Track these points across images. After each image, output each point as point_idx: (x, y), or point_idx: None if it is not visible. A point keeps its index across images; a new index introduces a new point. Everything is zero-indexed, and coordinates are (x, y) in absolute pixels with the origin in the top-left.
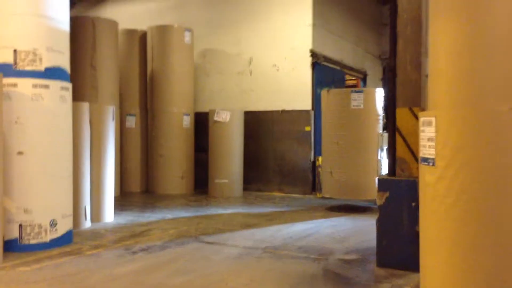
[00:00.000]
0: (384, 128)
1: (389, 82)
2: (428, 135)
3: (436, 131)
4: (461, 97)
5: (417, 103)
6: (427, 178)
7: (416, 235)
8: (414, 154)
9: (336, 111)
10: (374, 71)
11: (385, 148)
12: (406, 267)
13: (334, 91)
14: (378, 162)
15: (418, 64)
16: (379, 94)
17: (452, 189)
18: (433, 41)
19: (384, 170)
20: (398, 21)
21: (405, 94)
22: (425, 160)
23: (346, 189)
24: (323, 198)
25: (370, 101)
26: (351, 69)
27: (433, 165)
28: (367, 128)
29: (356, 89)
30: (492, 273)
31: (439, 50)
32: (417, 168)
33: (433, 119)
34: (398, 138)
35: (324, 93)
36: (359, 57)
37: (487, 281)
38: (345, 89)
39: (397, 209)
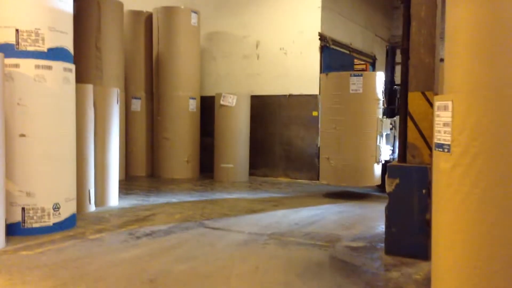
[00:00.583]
0: (385, 113)
1: (402, 65)
2: (444, 120)
3: (453, 116)
4: (481, 81)
5: (430, 87)
6: (441, 165)
7: (427, 223)
8: (426, 140)
9: (335, 95)
10: (384, 55)
11: (384, 133)
12: (415, 256)
13: (333, 74)
14: (378, 148)
15: (432, 47)
16: (380, 78)
17: (469, 177)
18: (450, 21)
19: (384, 156)
20: (412, 2)
21: (418, 77)
22: (440, 146)
23: (344, 176)
24: (327, 184)
25: (369, 85)
26: (360, 53)
27: (449, 151)
28: (366, 113)
29: (355, 72)
30: (511, 264)
31: (458, 30)
32: (429, 155)
33: (449, 103)
34: (410, 123)
35: (322, 76)
36: (369, 41)
37: (504, 273)
38: (343, 72)
39: (407, 196)
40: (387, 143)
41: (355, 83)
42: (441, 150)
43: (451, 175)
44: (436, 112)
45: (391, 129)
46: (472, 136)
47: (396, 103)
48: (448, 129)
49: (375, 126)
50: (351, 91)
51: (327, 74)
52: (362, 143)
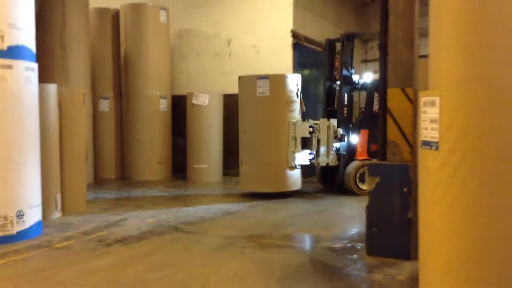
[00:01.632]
0: (324, 115)
1: (380, 61)
2: (431, 117)
3: (440, 112)
4: (470, 74)
5: (410, 83)
6: (429, 163)
7: (408, 222)
8: (406, 137)
9: (246, 98)
10: (355, 53)
11: (299, 137)
12: (397, 256)
13: (244, 77)
14: (290, 153)
15: (410, 41)
16: (291, 80)
17: (458, 176)
18: (435, 12)
19: (301, 161)
20: None
21: (397, 73)
22: (427, 143)
23: (255, 181)
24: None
25: (278, 88)
26: None
27: (436, 149)
28: (274, 116)
29: (262, 75)
30: (504, 266)
31: (443, 21)
32: (409, 152)
33: (437, 98)
34: (389, 120)
35: (238, 79)
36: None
37: (498, 275)
38: (253, 75)
39: (388, 195)
40: (306, 147)
41: (262, 86)
42: (428, 147)
43: (439, 174)
44: (423, 108)
45: (311, 132)
46: (461, 132)
47: (335, 103)
48: (436, 125)
49: (287, 130)
50: (258, 94)
51: (240, 77)
52: (271, 147)
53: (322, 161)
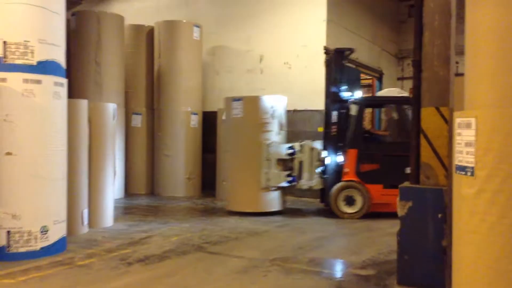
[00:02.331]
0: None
1: (414, 79)
2: (466, 139)
3: (477, 135)
4: (508, 95)
5: (445, 102)
6: (464, 190)
7: (442, 250)
8: (441, 159)
9: (227, 119)
10: (390, 70)
11: (273, 159)
12: (430, 286)
13: (225, 98)
14: (264, 174)
15: (446, 58)
16: (265, 102)
17: (496, 205)
18: (472, 29)
19: (277, 182)
20: (424, 11)
21: (431, 92)
22: (462, 168)
23: (233, 200)
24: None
25: (251, 109)
26: (367, 67)
27: (472, 175)
28: (248, 137)
29: (237, 97)
30: None
31: (481, 39)
32: (444, 176)
33: (472, 120)
34: (423, 141)
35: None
36: (375, 55)
37: None
38: (230, 97)
39: (421, 221)
40: (287, 169)
41: (237, 108)
42: (463, 173)
43: (475, 202)
44: (457, 130)
45: (291, 154)
46: (499, 157)
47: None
48: (471, 149)
49: (260, 151)
50: (233, 116)
51: (226, 98)
52: (246, 168)
53: (304, 183)
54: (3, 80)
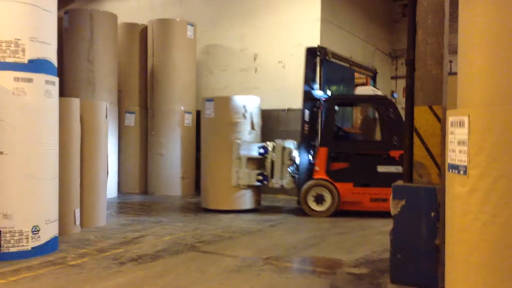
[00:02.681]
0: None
1: (407, 78)
2: (459, 138)
3: (469, 133)
4: (501, 93)
5: (439, 101)
6: (456, 189)
7: (435, 248)
8: (434, 158)
9: (202, 119)
10: (384, 69)
11: (243, 158)
12: (423, 285)
13: (202, 99)
14: (234, 172)
15: (439, 57)
16: (236, 102)
17: (489, 204)
18: (464, 29)
19: (247, 180)
20: (417, 9)
21: (425, 90)
22: (455, 167)
23: (207, 198)
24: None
25: (222, 109)
26: (361, 66)
27: (465, 173)
28: (219, 137)
29: (209, 97)
30: None
31: (473, 39)
32: (437, 174)
33: (465, 118)
34: (416, 140)
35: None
36: (369, 54)
37: None
38: (205, 97)
39: (414, 220)
40: (259, 168)
41: (208, 108)
42: (456, 171)
43: (468, 200)
44: (450, 129)
45: (262, 153)
46: (492, 156)
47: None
48: (464, 148)
49: (231, 150)
50: (206, 116)
51: (201, 99)
52: (218, 167)
53: (276, 182)
54: None
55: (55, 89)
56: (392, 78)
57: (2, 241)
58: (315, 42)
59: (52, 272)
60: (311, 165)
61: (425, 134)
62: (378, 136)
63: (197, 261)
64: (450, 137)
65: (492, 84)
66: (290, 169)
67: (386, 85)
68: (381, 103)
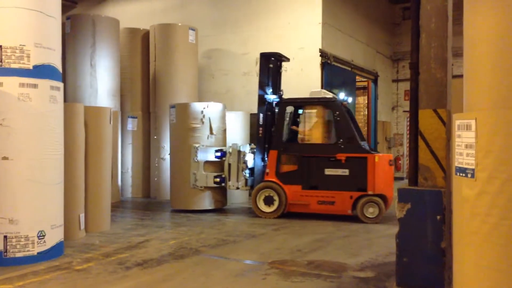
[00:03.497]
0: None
1: (411, 81)
2: (466, 141)
3: (477, 137)
4: (509, 96)
5: (443, 104)
6: (464, 192)
7: (442, 252)
8: (439, 161)
9: (169, 125)
10: (386, 72)
11: (201, 161)
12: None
13: (169, 105)
14: (192, 175)
15: (443, 61)
16: (195, 108)
17: (497, 207)
18: (470, 32)
19: (204, 182)
20: (421, 13)
21: (429, 94)
22: (462, 170)
23: (172, 199)
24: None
25: (182, 115)
26: (362, 70)
27: (472, 176)
28: (180, 141)
29: (172, 104)
30: None
31: (479, 41)
32: (443, 177)
33: (472, 122)
34: (421, 143)
35: None
36: (370, 58)
37: None
38: (170, 104)
39: (420, 223)
40: (219, 171)
41: (172, 114)
42: (463, 175)
43: (476, 204)
44: (457, 132)
45: (220, 157)
46: (499, 159)
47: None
48: (472, 151)
49: (190, 153)
50: (170, 121)
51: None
52: (179, 169)
53: (232, 185)
54: None
55: (60, 95)
56: (393, 81)
57: (8, 246)
58: (316, 46)
59: (58, 277)
60: (264, 168)
61: (430, 137)
62: (326, 139)
63: (202, 265)
64: (457, 141)
65: (498, 87)
66: (245, 172)
67: (387, 88)
68: (328, 106)
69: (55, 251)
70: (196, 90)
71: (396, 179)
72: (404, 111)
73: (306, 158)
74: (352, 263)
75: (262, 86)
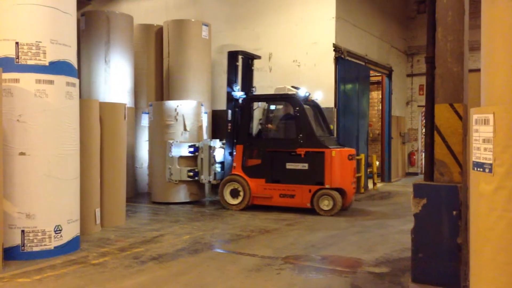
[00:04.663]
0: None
1: (427, 75)
2: (484, 136)
3: (495, 131)
4: None
5: (459, 98)
6: (481, 187)
7: (458, 248)
8: (455, 156)
9: (149, 122)
10: (400, 67)
11: (175, 156)
12: (445, 284)
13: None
14: (167, 169)
15: (460, 55)
16: (169, 106)
17: None
18: (488, 24)
19: (178, 176)
20: (437, 6)
21: (445, 88)
22: (479, 165)
23: (153, 192)
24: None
25: (158, 113)
26: (376, 64)
27: (490, 171)
28: (156, 137)
29: (151, 102)
30: None
31: (497, 35)
32: (459, 172)
33: (490, 116)
34: (437, 138)
35: None
36: (385, 52)
37: None
38: (150, 102)
39: (436, 218)
40: (190, 165)
41: (150, 112)
42: (481, 170)
43: (493, 199)
44: (474, 127)
45: (193, 152)
46: None
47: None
48: (489, 146)
49: (165, 149)
50: (149, 119)
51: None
52: (157, 164)
53: (204, 178)
54: (16, 80)
55: (75, 91)
56: (408, 75)
57: (25, 241)
58: (330, 41)
59: (75, 271)
60: (232, 162)
61: (446, 132)
62: (287, 134)
63: (217, 260)
64: (474, 135)
65: None
66: (215, 166)
67: (402, 83)
68: (288, 101)
69: (72, 246)
70: (210, 85)
71: (411, 174)
72: (419, 106)
73: (269, 152)
74: (366, 259)
75: (229, 84)
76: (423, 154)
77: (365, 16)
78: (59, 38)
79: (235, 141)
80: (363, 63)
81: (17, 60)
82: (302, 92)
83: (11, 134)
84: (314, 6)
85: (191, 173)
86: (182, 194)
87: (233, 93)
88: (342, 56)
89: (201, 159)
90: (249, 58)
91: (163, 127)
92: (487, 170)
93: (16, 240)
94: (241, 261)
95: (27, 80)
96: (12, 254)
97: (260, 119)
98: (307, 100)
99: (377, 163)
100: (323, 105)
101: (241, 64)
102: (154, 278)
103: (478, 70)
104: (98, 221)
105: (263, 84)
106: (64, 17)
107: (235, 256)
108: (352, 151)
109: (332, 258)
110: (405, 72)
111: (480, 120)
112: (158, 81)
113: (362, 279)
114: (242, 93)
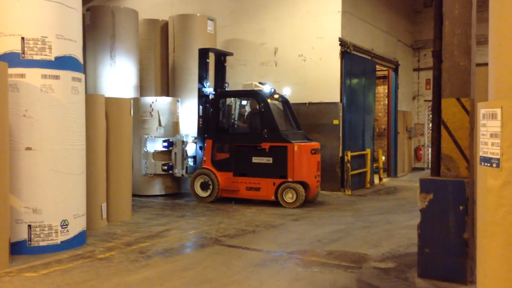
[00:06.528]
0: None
1: (434, 69)
2: (492, 130)
3: (502, 126)
4: None
5: (467, 93)
6: (489, 182)
7: (464, 243)
8: (462, 151)
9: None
10: (406, 61)
11: (150, 151)
12: (451, 279)
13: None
14: (143, 163)
15: (467, 48)
16: (144, 102)
17: None
18: (496, 17)
19: (152, 170)
20: (444, 0)
21: (452, 82)
22: (487, 160)
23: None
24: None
25: (135, 109)
26: (383, 58)
27: (497, 166)
28: (135, 133)
29: (130, 98)
30: None
31: (505, 28)
32: (466, 167)
33: (498, 110)
34: (444, 133)
35: None
36: (391, 46)
37: None
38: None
39: (442, 214)
40: (164, 159)
41: (131, 108)
42: (488, 164)
43: (501, 194)
44: (482, 121)
45: (167, 146)
46: None
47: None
48: (497, 140)
49: (141, 144)
50: (130, 114)
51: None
52: (135, 158)
53: (178, 172)
54: (22, 75)
55: (81, 86)
56: (414, 70)
57: (32, 235)
58: (336, 35)
59: (81, 265)
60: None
61: (453, 127)
62: (253, 129)
63: (222, 254)
64: (481, 130)
65: None
66: (188, 160)
67: (408, 77)
68: (254, 97)
69: (78, 240)
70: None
71: (417, 169)
72: (425, 101)
73: (236, 147)
74: (372, 254)
75: (200, 80)
76: (430, 149)
77: (371, 9)
78: (64, 33)
79: (205, 135)
80: (369, 58)
81: (23, 55)
82: (267, 88)
83: (17, 129)
84: (320, 0)
85: (165, 167)
86: (156, 188)
87: (203, 89)
88: (348, 50)
89: (175, 153)
90: (222, 55)
91: (139, 122)
92: (494, 165)
93: (23, 235)
94: (247, 256)
95: (33, 75)
96: (19, 248)
97: (228, 115)
98: (273, 96)
99: (383, 158)
100: (329, 100)
101: (213, 61)
102: (160, 272)
103: (486, 64)
104: (104, 216)
105: (268, 79)
106: (70, 12)
107: (240, 251)
108: (316, 145)
109: (337, 253)
110: (411, 66)
111: (488, 115)
112: (163, 76)
113: (368, 274)
114: (211, 89)
